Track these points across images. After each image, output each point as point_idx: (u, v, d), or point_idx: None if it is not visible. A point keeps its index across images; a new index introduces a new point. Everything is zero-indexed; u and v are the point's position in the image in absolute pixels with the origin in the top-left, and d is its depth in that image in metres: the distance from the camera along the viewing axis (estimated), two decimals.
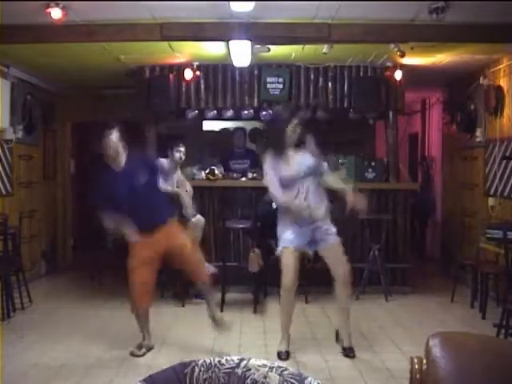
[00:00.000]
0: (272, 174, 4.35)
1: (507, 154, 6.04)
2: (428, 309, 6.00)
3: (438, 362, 1.85)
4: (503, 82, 6.17)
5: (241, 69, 6.71)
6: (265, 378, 1.68)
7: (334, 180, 4.48)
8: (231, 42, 5.25)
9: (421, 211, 8.42)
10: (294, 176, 4.29)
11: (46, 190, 7.79)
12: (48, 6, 4.33)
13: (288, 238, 4.34)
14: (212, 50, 6.06)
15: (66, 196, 8.55)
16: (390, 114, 6.97)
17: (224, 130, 8.75)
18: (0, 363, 4.05)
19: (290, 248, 4.32)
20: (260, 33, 4.90)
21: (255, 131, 8.61)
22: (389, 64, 6.66)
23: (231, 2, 4.33)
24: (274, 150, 4.39)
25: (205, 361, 1.76)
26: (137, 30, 4.87)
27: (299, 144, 4.38)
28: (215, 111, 7.05)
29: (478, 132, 6.74)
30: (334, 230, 4.40)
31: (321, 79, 6.88)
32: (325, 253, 4.39)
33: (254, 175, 6.58)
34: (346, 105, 6.90)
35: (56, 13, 4.35)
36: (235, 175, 6.82)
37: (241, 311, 5.81)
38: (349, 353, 4.43)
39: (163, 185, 5.37)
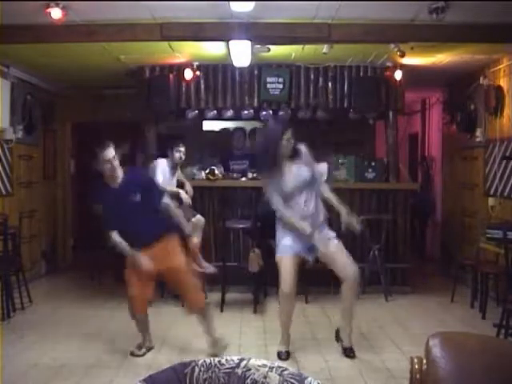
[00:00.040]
0: (272, 191, 4.34)
1: (507, 154, 6.04)
2: (428, 309, 6.01)
3: (438, 361, 1.85)
4: (503, 82, 6.17)
5: (241, 69, 6.71)
6: (265, 378, 1.68)
7: (330, 196, 4.45)
8: (231, 42, 5.25)
9: (421, 211, 8.43)
10: (292, 189, 4.30)
11: (45, 190, 7.79)
12: (48, 6, 4.33)
13: (287, 244, 4.33)
14: (212, 49, 6.06)
15: (66, 196, 8.55)
16: (390, 113, 6.97)
17: (224, 130, 8.75)
18: (0, 363, 4.05)
19: (289, 255, 4.31)
20: (260, 33, 4.90)
21: (255, 131, 8.61)
22: (389, 64, 6.66)
23: (231, 2, 4.33)
24: (267, 164, 4.37)
25: (205, 361, 1.76)
26: (137, 30, 4.86)
27: (293, 155, 4.37)
28: (215, 111, 7.04)
29: (478, 132, 6.75)
30: (333, 233, 4.41)
31: (321, 79, 6.88)
32: (327, 258, 4.37)
33: (254, 175, 6.58)
34: (346, 105, 6.90)
35: (56, 13, 4.35)
36: (235, 175, 6.82)
37: (241, 311, 5.81)
38: (349, 353, 4.43)
39: (164, 185, 5.38)
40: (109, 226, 4.27)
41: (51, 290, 6.92)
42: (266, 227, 5.13)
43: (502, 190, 6.20)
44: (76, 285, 7.09)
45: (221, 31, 4.89)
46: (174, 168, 6.02)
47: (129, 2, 4.34)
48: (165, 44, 5.58)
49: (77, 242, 8.71)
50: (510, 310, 4.68)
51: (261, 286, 6.17)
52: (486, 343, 2.01)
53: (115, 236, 4.23)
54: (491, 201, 6.42)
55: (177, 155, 6.00)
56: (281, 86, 6.80)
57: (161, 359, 4.36)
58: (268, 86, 6.81)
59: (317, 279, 5.92)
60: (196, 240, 4.47)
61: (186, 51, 6.16)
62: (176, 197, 5.62)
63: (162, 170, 5.83)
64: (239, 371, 1.72)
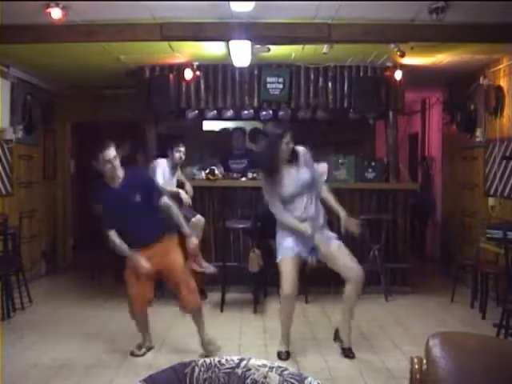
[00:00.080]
0: (271, 196, 4.34)
1: (507, 154, 6.04)
2: (428, 309, 6.01)
3: (438, 361, 1.85)
4: (503, 82, 6.17)
5: (241, 69, 6.71)
6: (265, 378, 1.68)
7: (330, 197, 4.44)
8: (231, 42, 5.25)
9: (421, 211, 8.43)
10: (292, 192, 4.30)
11: (45, 190, 7.79)
12: (48, 6, 4.33)
13: (288, 246, 4.32)
14: (212, 49, 6.06)
15: (66, 196, 8.55)
16: (390, 113, 6.97)
17: (224, 130, 8.75)
18: (0, 363, 4.05)
19: (290, 256, 4.30)
20: (260, 33, 4.90)
21: (255, 131, 8.61)
22: (389, 64, 6.66)
23: (231, 2, 4.33)
24: (267, 169, 4.36)
25: (205, 361, 1.76)
26: (137, 30, 4.86)
27: (292, 159, 4.36)
28: (215, 111, 7.04)
29: (478, 132, 6.74)
30: (333, 234, 4.41)
31: (321, 79, 6.88)
32: (328, 259, 4.36)
33: (254, 175, 6.58)
34: (346, 105, 6.89)
35: (56, 13, 4.35)
36: (235, 175, 6.82)
37: (241, 311, 5.81)
38: (348, 353, 4.43)
39: (164, 185, 5.38)
40: (108, 226, 4.27)
41: (51, 290, 6.92)
42: (265, 227, 5.13)
43: (502, 190, 6.20)
44: (76, 285, 7.09)
45: (221, 31, 4.89)
46: (174, 168, 6.02)
47: (129, 2, 4.34)
48: (165, 44, 5.58)
49: (77, 242, 8.71)
50: (510, 309, 4.68)
51: (261, 286, 6.17)
52: (486, 343, 2.01)
53: (114, 236, 4.23)
54: (491, 201, 6.41)
55: (177, 155, 6.00)
56: (281, 86, 6.80)
57: (161, 359, 4.36)
58: (268, 85, 6.81)
59: (317, 279, 5.91)
60: (195, 241, 4.45)
61: (186, 51, 6.16)
62: (176, 197, 5.61)
63: (161, 170, 5.84)
64: (239, 371, 1.72)
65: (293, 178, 4.32)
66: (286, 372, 1.69)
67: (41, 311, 5.83)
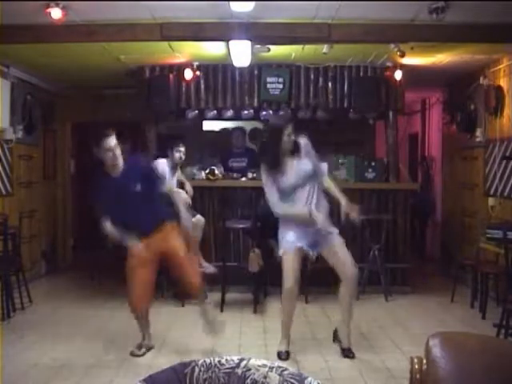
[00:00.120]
0: (270, 187, 4.33)
1: (507, 154, 6.04)
2: (428, 309, 6.00)
3: (438, 361, 1.85)
4: (503, 82, 6.17)
5: (241, 69, 6.71)
6: (265, 378, 1.68)
7: (331, 185, 4.45)
8: (231, 42, 5.25)
9: (421, 211, 8.43)
10: (293, 184, 4.29)
11: (45, 190, 7.79)
12: (48, 6, 4.33)
13: (290, 240, 4.32)
14: (212, 49, 6.06)
15: (66, 196, 8.55)
16: (390, 113, 6.97)
17: (224, 130, 8.75)
18: (0, 363, 4.05)
19: (292, 251, 4.31)
20: (260, 33, 4.90)
21: (255, 131, 8.62)
22: (389, 64, 6.66)
23: (231, 2, 4.33)
24: (269, 162, 4.36)
25: (205, 361, 1.76)
26: (137, 30, 4.87)
27: (294, 151, 4.36)
28: (215, 111, 7.05)
29: (478, 132, 6.74)
30: (335, 230, 4.40)
31: (321, 79, 6.88)
32: (329, 253, 4.36)
33: (254, 175, 6.58)
34: (346, 105, 6.90)
35: (56, 13, 4.35)
36: (235, 175, 6.82)
37: (241, 311, 5.81)
38: (348, 353, 4.43)
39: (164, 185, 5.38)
40: (102, 214, 4.25)
41: (51, 290, 6.92)
42: (265, 227, 5.14)
43: (502, 190, 6.20)
44: (76, 285, 7.09)
45: (221, 31, 4.89)
46: (174, 168, 6.02)
47: (129, 2, 4.34)
48: (165, 44, 5.58)
49: (77, 242, 8.71)
50: (510, 309, 4.68)
51: (261, 286, 6.17)
52: (486, 343, 2.01)
53: (108, 224, 4.22)
54: (491, 201, 6.41)
55: (177, 155, 6.00)
56: (281, 86, 6.80)
57: (161, 359, 4.35)
58: (268, 85, 6.81)
59: (317, 279, 5.92)
60: (190, 223, 4.54)
61: (186, 51, 6.16)
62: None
63: (161, 170, 5.83)
64: (239, 371, 1.72)
65: (295, 169, 4.31)
66: (285, 372, 1.69)
67: (41, 311, 5.83)
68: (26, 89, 7.04)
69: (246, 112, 7.07)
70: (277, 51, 6.09)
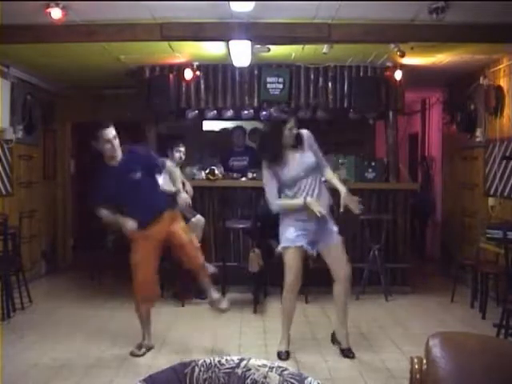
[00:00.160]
0: (270, 180, 4.32)
1: (507, 154, 6.04)
2: (428, 309, 6.00)
3: (438, 361, 1.85)
4: (503, 82, 6.17)
5: (241, 69, 6.71)
6: (265, 378, 1.68)
7: (333, 176, 4.46)
8: (231, 42, 5.25)
9: (421, 211, 8.43)
10: (295, 176, 4.28)
11: (46, 190, 7.79)
12: (48, 6, 4.33)
13: (290, 236, 4.31)
14: (212, 49, 6.06)
15: (66, 196, 8.55)
16: (390, 113, 6.97)
17: (224, 130, 8.74)
18: (0, 363, 4.05)
19: (292, 248, 4.30)
20: (260, 33, 4.90)
21: (255, 131, 8.61)
22: (389, 64, 6.66)
23: (231, 2, 4.33)
24: (270, 156, 4.35)
25: (205, 361, 1.76)
26: (137, 30, 4.86)
27: (297, 144, 4.36)
28: (215, 111, 7.05)
29: (478, 132, 6.74)
30: (335, 229, 4.39)
31: (321, 79, 6.88)
32: (325, 252, 4.37)
33: (254, 175, 6.58)
34: (346, 105, 6.90)
35: (56, 13, 4.35)
36: (235, 175, 6.82)
37: (241, 311, 5.80)
38: (348, 354, 4.43)
39: (164, 185, 5.38)
40: (95, 201, 4.26)
41: (51, 290, 6.92)
42: (265, 227, 5.13)
43: (502, 190, 6.20)
44: (76, 285, 7.09)
45: (221, 31, 4.89)
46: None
47: (129, 2, 4.34)
48: (165, 44, 5.58)
49: (77, 242, 8.71)
50: (510, 309, 4.68)
51: (261, 286, 6.17)
52: (486, 343, 2.01)
53: (101, 210, 4.24)
54: (491, 201, 6.41)
55: (177, 155, 6.01)
56: (281, 86, 6.80)
57: (161, 359, 4.35)
58: (268, 86, 6.81)
59: (317, 279, 5.90)
60: (184, 196, 4.62)
61: (186, 51, 6.16)
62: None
63: None
64: (239, 371, 1.72)
65: (297, 162, 4.30)
66: (285, 372, 1.69)
67: (41, 311, 5.83)
68: (25, 89, 7.04)
69: (245, 112, 7.07)
70: (277, 51, 6.09)
